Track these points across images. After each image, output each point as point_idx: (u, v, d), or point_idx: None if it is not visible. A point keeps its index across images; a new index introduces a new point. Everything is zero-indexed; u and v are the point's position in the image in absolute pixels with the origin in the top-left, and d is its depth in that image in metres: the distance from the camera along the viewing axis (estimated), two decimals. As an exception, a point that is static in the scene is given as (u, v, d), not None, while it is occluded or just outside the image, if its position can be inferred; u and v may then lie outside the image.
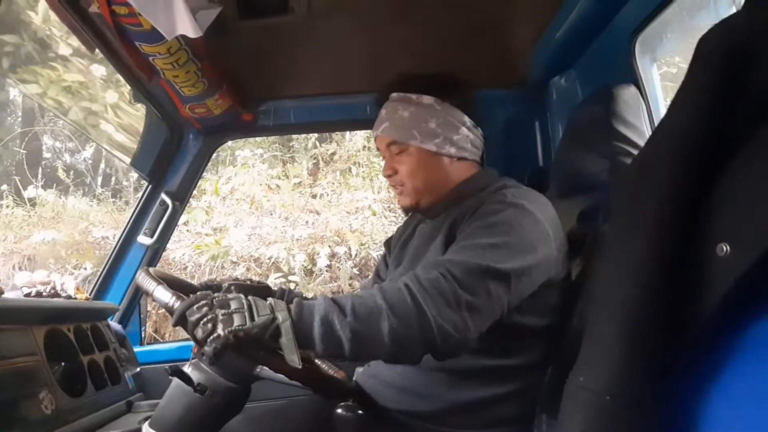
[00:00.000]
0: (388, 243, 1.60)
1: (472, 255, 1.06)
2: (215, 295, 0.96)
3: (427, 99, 1.32)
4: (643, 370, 0.68)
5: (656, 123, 1.40)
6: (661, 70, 1.55)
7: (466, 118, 1.34)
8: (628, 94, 1.37)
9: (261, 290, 1.44)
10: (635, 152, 1.30)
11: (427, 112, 1.31)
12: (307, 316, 0.97)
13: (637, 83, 1.43)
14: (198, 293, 0.97)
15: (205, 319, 0.91)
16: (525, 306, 1.12)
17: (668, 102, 1.45)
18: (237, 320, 0.92)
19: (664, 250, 0.68)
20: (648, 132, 1.35)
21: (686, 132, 0.70)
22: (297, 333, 0.95)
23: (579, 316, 1.07)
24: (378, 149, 1.41)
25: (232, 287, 1.39)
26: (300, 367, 0.96)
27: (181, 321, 0.95)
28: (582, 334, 0.85)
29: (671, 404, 0.69)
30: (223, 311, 0.92)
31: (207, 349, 0.92)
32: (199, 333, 0.91)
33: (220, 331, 0.90)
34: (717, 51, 0.70)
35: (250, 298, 0.97)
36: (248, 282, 1.44)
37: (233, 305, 0.94)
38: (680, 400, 0.69)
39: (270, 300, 0.98)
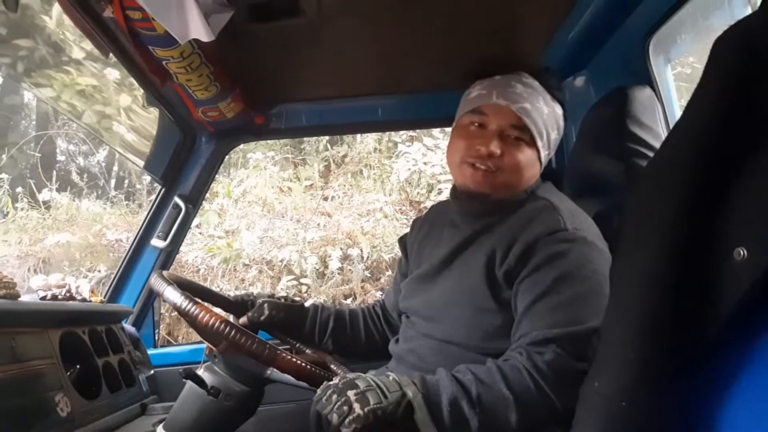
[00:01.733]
0: (403, 241, 1.57)
1: (572, 317, 1.05)
2: (338, 382, 0.95)
3: (559, 109, 1.29)
4: (659, 375, 0.68)
5: (671, 124, 1.39)
6: (675, 71, 1.54)
7: None
8: (643, 95, 1.36)
9: (295, 309, 1.45)
10: (650, 154, 1.29)
11: (555, 120, 1.28)
12: (434, 395, 0.97)
13: (652, 84, 1.42)
14: (322, 387, 0.96)
15: (339, 403, 0.90)
16: None
17: (683, 103, 1.44)
18: (372, 399, 0.91)
19: (679, 254, 0.67)
20: (663, 133, 1.34)
21: (702, 134, 0.69)
22: (428, 406, 0.95)
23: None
24: (480, 113, 1.26)
25: (265, 304, 1.39)
26: None
27: (317, 422, 0.98)
28: (597, 338, 0.84)
29: (687, 410, 0.68)
30: (354, 391, 0.91)
31: (344, 430, 0.90)
32: (335, 418, 0.89)
33: (358, 410, 0.89)
34: (732, 52, 0.69)
35: (371, 376, 0.96)
36: (282, 299, 1.44)
37: (362, 385, 0.92)
38: (696, 406, 0.68)
39: (393, 376, 0.97)
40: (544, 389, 0.99)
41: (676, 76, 1.56)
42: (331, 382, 0.96)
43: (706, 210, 0.66)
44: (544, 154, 1.26)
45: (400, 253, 1.62)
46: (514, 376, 1.00)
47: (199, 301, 1.06)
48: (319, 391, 0.95)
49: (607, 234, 1.22)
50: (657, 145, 1.30)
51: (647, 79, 1.43)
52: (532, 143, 1.23)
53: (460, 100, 1.37)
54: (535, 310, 1.09)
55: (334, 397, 0.91)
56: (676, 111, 1.44)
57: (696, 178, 0.67)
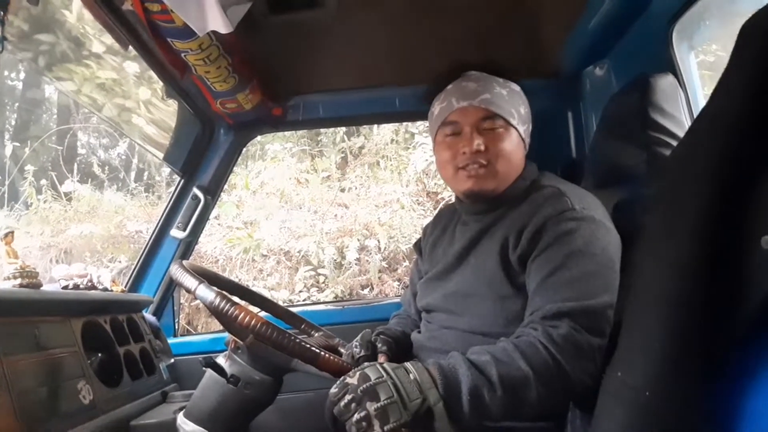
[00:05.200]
0: (418, 245, 1.58)
1: (584, 291, 1.06)
2: (355, 382, 0.93)
3: (515, 86, 1.31)
4: (685, 365, 0.66)
5: (695, 113, 1.36)
6: (698, 59, 1.51)
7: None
8: (665, 82, 1.34)
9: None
10: (673, 143, 1.27)
11: (518, 96, 1.30)
12: (454, 389, 0.96)
13: (675, 72, 1.39)
14: (338, 383, 0.94)
15: (358, 417, 0.89)
16: None
17: (706, 91, 1.41)
18: (392, 416, 0.89)
19: (707, 244, 0.66)
20: (686, 122, 1.31)
21: (729, 121, 0.68)
22: (447, 410, 0.94)
23: (617, 311, 1.05)
24: (451, 123, 1.29)
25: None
26: None
27: (333, 418, 0.94)
28: (619, 328, 0.83)
29: (713, 400, 0.67)
30: (374, 405, 0.89)
31: None
32: (354, 431, 0.89)
33: (377, 429, 0.88)
34: (761, 36, 0.67)
35: (393, 377, 0.93)
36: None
37: (382, 395, 0.90)
38: (722, 397, 0.67)
39: (413, 374, 0.95)
40: (560, 362, 0.98)
41: (699, 64, 1.53)
42: (348, 380, 0.94)
43: (734, 198, 0.65)
44: (522, 130, 1.29)
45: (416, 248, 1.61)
46: (531, 352, 1.00)
47: (233, 297, 1.06)
48: (334, 388, 0.94)
49: (629, 224, 1.21)
50: (680, 133, 1.28)
51: (670, 67, 1.40)
52: (508, 126, 1.26)
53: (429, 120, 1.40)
54: (547, 286, 1.10)
55: (353, 405, 0.90)
56: (700, 99, 1.41)
57: (723, 165, 0.66)
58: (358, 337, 1.35)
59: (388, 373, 0.94)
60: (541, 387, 0.97)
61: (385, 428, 0.88)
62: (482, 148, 1.24)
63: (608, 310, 1.05)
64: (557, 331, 1.01)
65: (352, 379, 0.93)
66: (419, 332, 1.40)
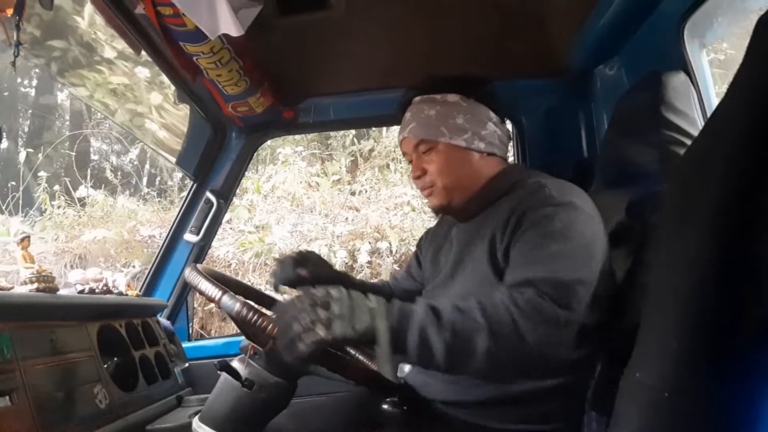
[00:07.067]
0: (419, 242, 1.61)
1: (555, 267, 1.04)
2: (317, 292, 0.95)
3: (452, 97, 1.32)
4: (704, 365, 0.65)
5: (708, 111, 1.35)
6: (709, 57, 1.50)
7: (492, 114, 1.34)
8: (677, 80, 1.32)
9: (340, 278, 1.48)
10: (686, 141, 1.26)
11: (453, 108, 1.32)
12: (404, 324, 0.96)
13: (687, 70, 1.38)
14: (300, 294, 0.96)
15: (304, 315, 0.91)
16: None
17: (717, 89, 1.40)
18: (338, 329, 0.91)
19: (724, 242, 0.65)
20: (699, 120, 1.30)
21: (744, 119, 0.67)
22: (393, 341, 0.94)
23: (631, 310, 1.04)
24: (404, 154, 1.40)
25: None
26: (393, 378, 0.96)
27: (280, 314, 0.95)
28: (635, 328, 0.83)
29: (733, 401, 0.66)
30: (324, 313, 0.91)
31: (301, 345, 0.90)
32: (296, 327, 0.90)
33: (321, 333, 0.90)
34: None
35: (351, 296, 0.95)
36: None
37: (336, 309, 0.92)
38: (742, 398, 0.66)
39: (372, 304, 0.96)
40: (518, 323, 0.97)
41: (710, 62, 1.51)
42: (312, 291, 0.95)
43: (751, 196, 0.64)
44: (464, 138, 1.31)
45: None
46: (491, 309, 0.99)
47: (255, 305, 1.06)
48: (297, 296, 0.95)
49: (642, 223, 1.20)
50: (693, 131, 1.26)
51: (682, 65, 1.39)
52: (438, 145, 1.31)
53: None
54: (519, 263, 1.11)
55: (307, 305, 0.92)
56: (712, 97, 1.40)
57: (741, 163, 0.65)
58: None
59: (348, 296, 0.96)
60: (491, 341, 0.96)
61: (328, 335, 0.90)
62: (419, 173, 1.35)
63: (578, 286, 1.03)
64: (522, 296, 1.00)
65: (316, 291, 0.95)
66: None
